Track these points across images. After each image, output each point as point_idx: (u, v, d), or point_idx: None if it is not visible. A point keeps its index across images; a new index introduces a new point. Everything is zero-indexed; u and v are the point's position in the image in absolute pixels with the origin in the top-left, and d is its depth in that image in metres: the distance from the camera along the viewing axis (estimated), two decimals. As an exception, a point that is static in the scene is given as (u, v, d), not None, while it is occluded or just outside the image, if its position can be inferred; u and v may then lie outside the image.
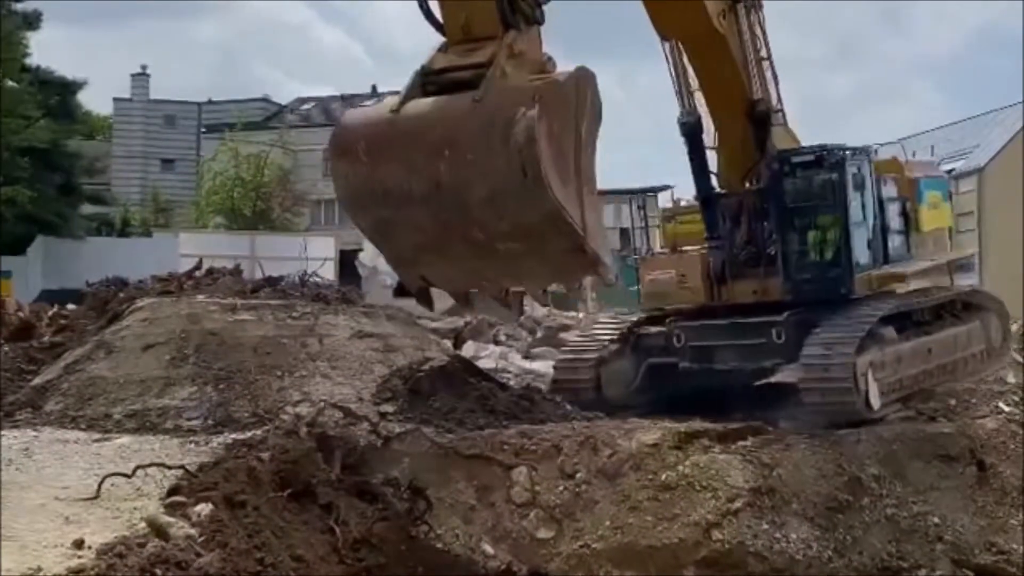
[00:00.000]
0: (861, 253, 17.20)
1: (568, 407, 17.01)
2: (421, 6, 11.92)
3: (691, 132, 17.80)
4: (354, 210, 11.97)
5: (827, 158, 17.18)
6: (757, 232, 17.77)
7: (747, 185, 17.91)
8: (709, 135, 17.99)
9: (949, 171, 25.20)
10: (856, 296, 17.17)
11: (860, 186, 17.24)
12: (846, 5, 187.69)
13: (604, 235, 11.61)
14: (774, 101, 17.96)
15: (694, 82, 17.79)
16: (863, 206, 17.33)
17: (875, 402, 15.59)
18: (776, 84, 18.09)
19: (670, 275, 18.14)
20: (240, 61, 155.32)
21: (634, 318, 18.87)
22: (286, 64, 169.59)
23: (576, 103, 11.00)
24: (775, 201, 17.41)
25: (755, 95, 17.37)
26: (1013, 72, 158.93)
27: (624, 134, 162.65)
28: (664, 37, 17.39)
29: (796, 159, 17.43)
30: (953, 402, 16.01)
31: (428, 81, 11.39)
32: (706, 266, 17.83)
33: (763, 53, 17.82)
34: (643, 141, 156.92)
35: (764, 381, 16.20)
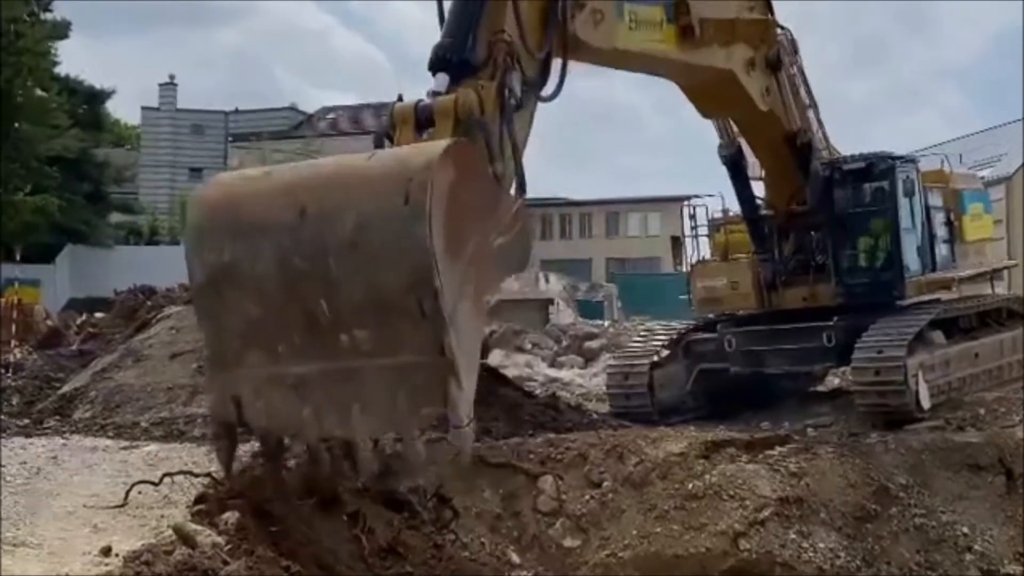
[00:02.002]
0: (911, 259, 17.61)
1: (595, 415, 17.17)
2: (376, 143, 11.04)
3: (733, 163, 18.11)
4: (199, 248, 9.56)
5: (877, 165, 17.40)
6: (805, 244, 18.04)
7: (793, 206, 18.11)
8: (751, 163, 18.23)
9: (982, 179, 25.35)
10: (906, 301, 17.42)
11: (909, 193, 17.55)
12: (866, 7, 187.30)
13: (475, 356, 9.45)
14: (814, 127, 18.10)
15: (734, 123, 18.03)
16: (912, 213, 17.67)
17: (925, 403, 15.86)
18: (818, 114, 18.21)
19: (722, 282, 18.42)
20: (261, 68, 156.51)
21: (682, 326, 19.23)
22: (307, 71, 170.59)
23: (500, 215, 9.85)
24: (825, 209, 17.59)
25: (794, 127, 17.49)
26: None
27: (645, 140, 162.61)
28: (706, 118, 17.56)
29: (847, 167, 17.67)
30: (982, 411, 15.95)
31: None
32: (756, 273, 18.11)
33: (803, 95, 17.93)
34: (665, 147, 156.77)
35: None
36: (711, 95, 16.63)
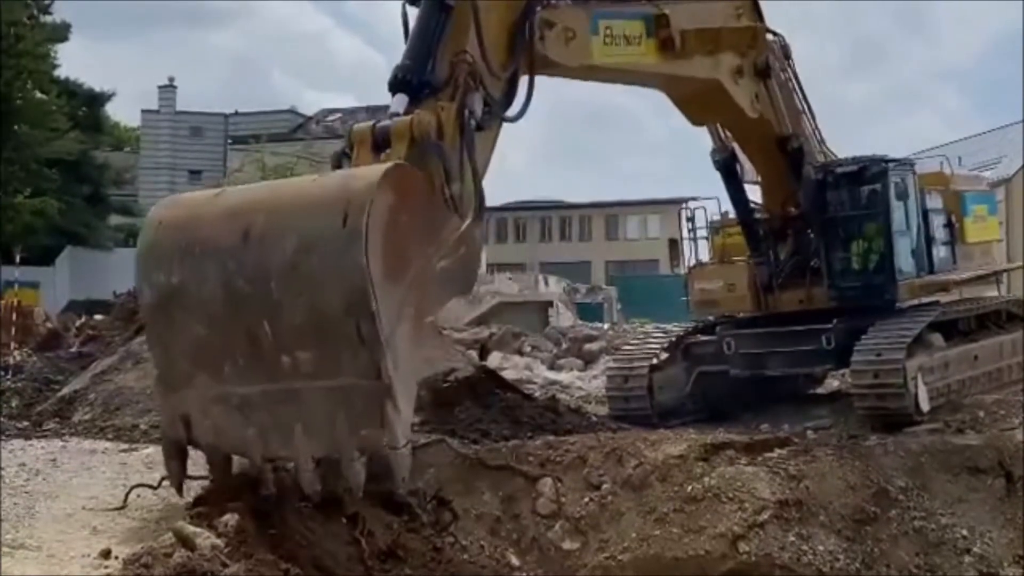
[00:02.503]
0: (904, 261, 17.57)
1: (594, 418, 17.19)
2: (334, 168, 11.00)
3: (726, 167, 18.11)
4: (149, 270, 9.73)
5: (869, 168, 17.41)
6: (800, 247, 18.03)
7: (787, 210, 18.12)
8: (745, 167, 18.26)
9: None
10: (900, 303, 17.47)
11: (902, 196, 17.51)
12: (865, 8, 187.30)
13: (412, 381, 9.58)
14: (808, 131, 18.12)
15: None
16: (906, 216, 17.63)
17: (924, 405, 15.88)
18: (812, 119, 18.23)
19: (719, 284, 18.45)
20: (258, 70, 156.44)
21: (682, 329, 19.26)
22: (305, 73, 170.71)
23: (444, 237, 9.89)
24: (818, 212, 17.63)
25: (786, 131, 17.50)
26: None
27: (644, 143, 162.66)
28: (696, 125, 17.58)
29: (840, 170, 17.68)
30: (981, 413, 15.94)
31: None
32: (753, 276, 18.12)
33: (796, 101, 17.95)
34: (664, 150, 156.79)
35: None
36: (698, 104, 16.66)
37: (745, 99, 16.69)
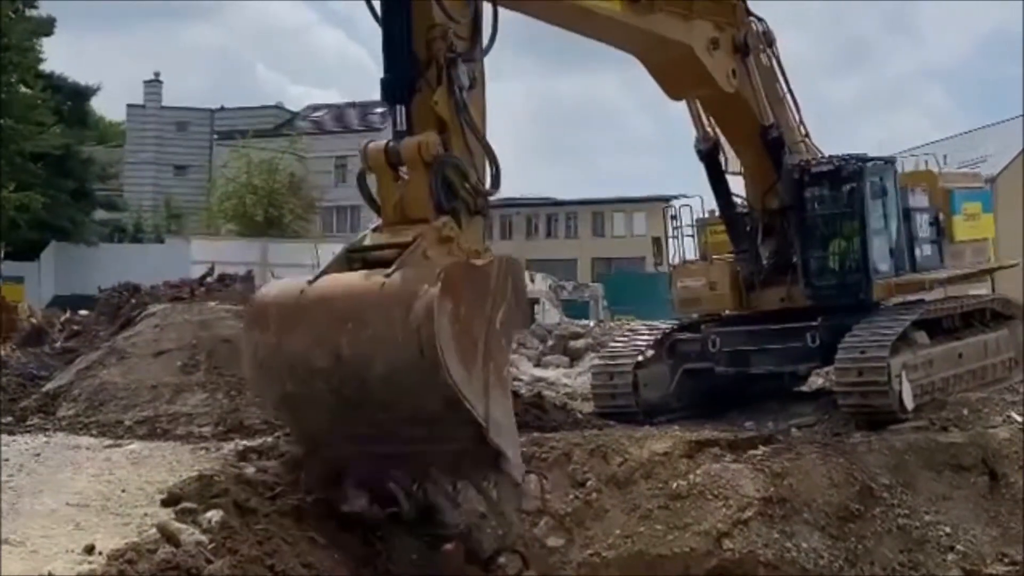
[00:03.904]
0: (881, 260, 17.53)
1: (580, 415, 17.19)
2: (360, 187, 12.08)
3: (709, 157, 18.09)
4: (261, 383, 11.43)
5: (846, 167, 17.38)
6: (781, 244, 18.01)
7: (768, 203, 18.11)
8: (728, 157, 18.22)
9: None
10: (876, 302, 17.49)
11: (879, 195, 17.49)
12: (851, 8, 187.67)
13: (512, 431, 11.01)
14: (795, 123, 18.11)
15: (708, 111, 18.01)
16: (884, 215, 17.59)
17: (909, 403, 15.90)
18: (797, 109, 18.23)
19: (701, 282, 18.43)
20: (243, 65, 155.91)
21: (667, 326, 19.23)
22: (288, 67, 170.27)
23: (494, 289, 10.62)
24: (796, 210, 17.65)
25: (767, 121, 17.49)
26: (1021, 79, 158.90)
27: (630, 141, 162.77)
28: (673, 99, 17.53)
29: (816, 169, 17.65)
30: (965, 411, 15.98)
31: (353, 258, 11.21)
32: (734, 274, 18.10)
33: (778, 88, 17.94)
34: (650, 148, 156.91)
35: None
36: (672, 73, 16.52)
37: (720, 72, 16.61)
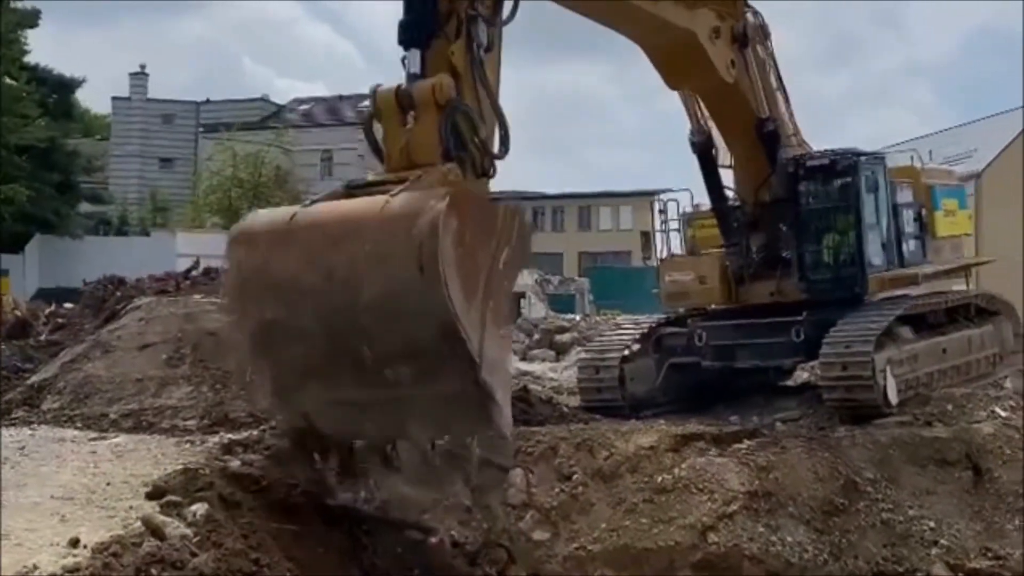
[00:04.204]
0: (875, 255, 17.68)
1: (566, 409, 17.20)
2: (366, 132, 11.63)
3: (702, 150, 18.10)
4: (240, 307, 10.75)
5: (841, 162, 17.46)
6: (772, 238, 18.06)
7: (761, 197, 18.14)
8: (721, 150, 18.22)
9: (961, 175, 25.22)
10: (869, 296, 17.72)
11: (873, 190, 17.60)
12: (840, 5, 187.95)
13: (506, 377, 10.55)
14: (786, 119, 18.15)
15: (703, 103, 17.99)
16: (876, 209, 17.70)
17: (893, 398, 15.98)
18: (788, 104, 18.26)
19: (690, 276, 18.46)
20: (229, 57, 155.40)
21: (653, 320, 19.24)
22: (275, 61, 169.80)
23: (500, 228, 10.18)
24: (790, 204, 17.70)
25: (763, 114, 17.51)
26: (1008, 75, 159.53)
27: (617, 134, 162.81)
28: (672, 88, 17.51)
29: (811, 164, 17.73)
30: (950, 406, 16.03)
31: (352, 191, 10.79)
32: (724, 268, 18.15)
33: (772, 80, 17.97)
34: (637, 141, 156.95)
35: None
36: (675, 60, 16.48)
37: (721, 61, 16.61)
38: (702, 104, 17.96)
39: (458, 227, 9.46)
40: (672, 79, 17.04)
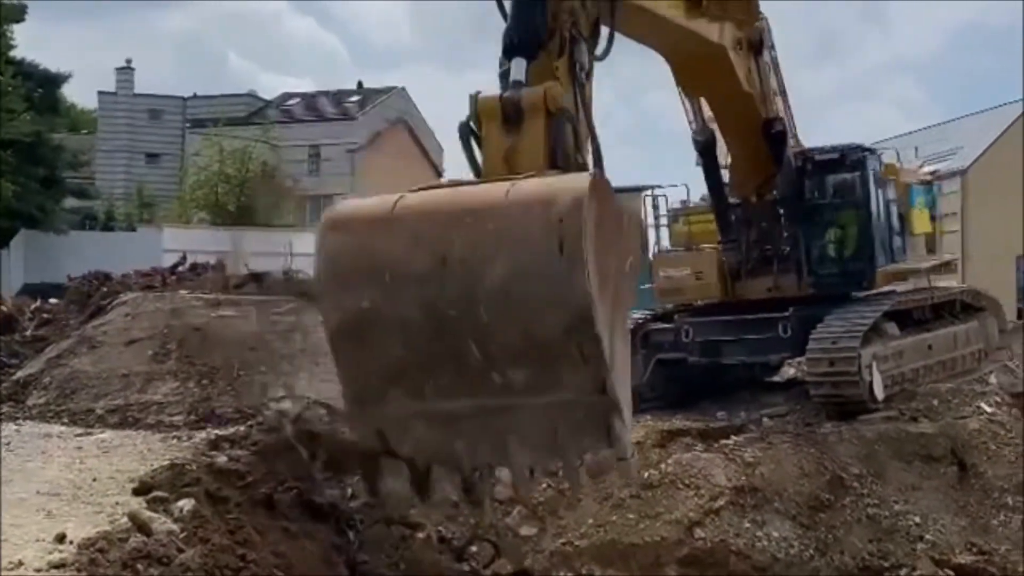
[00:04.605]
0: (880, 249, 17.79)
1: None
2: (462, 138, 10.43)
3: (706, 149, 18.13)
4: (331, 294, 9.32)
5: (849, 155, 17.60)
6: (771, 234, 18.13)
7: (762, 194, 18.20)
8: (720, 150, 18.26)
9: (932, 172, 25.40)
10: (876, 289, 17.96)
11: (879, 184, 17.85)
12: (826, 3, 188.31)
13: (627, 392, 9.08)
14: (788, 116, 18.23)
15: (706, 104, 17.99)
16: (879, 204, 17.85)
17: (879, 393, 16.07)
18: (788, 105, 18.32)
19: (686, 271, 18.48)
20: (214, 52, 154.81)
21: (640, 316, 19.22)
22: (260, 55, 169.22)
23: (626, 232, 9.33)
24: (796, 199, 17.83)
25: (771, 114, 17.55)
26: (994, 71, 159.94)
27: (604, 131, 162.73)
28: (689, 95, 17.51)
29: (819, 157, 17.82)
30: (935, 402, 16.09)
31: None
32: (721, 263, 18.18)
33: (775, 82, 18.00)
34: (623, 138, 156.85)
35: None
36: (700, 71, 16.46)
37: (742, 71, 16.67)
38: (705, 104, 17.96)
39: (597, 215, 8.49)
40: (692, 88, 17.14)
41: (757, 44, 17.03)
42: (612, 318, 8.68)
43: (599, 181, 8.80)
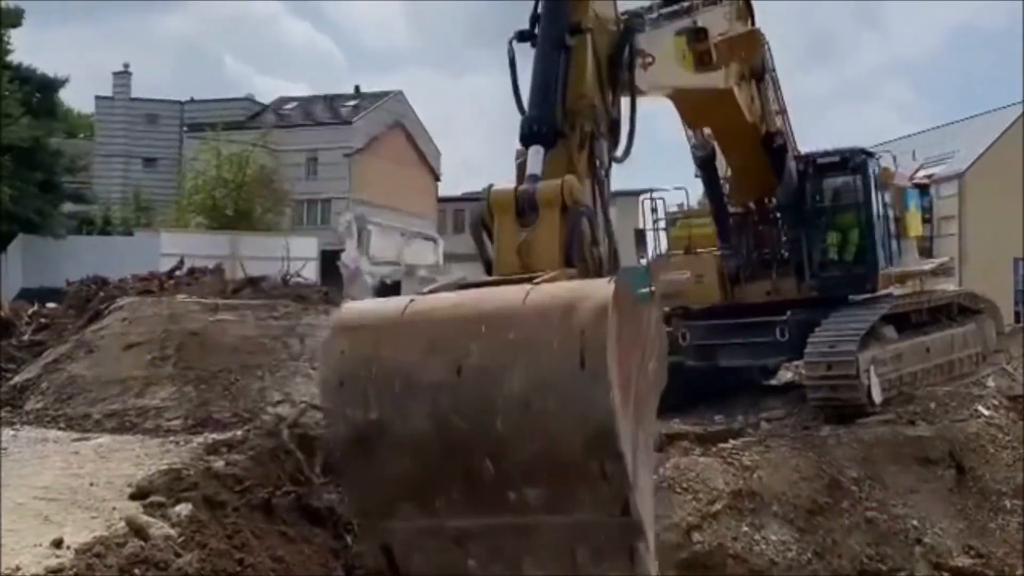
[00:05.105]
0: (882, 251, 17.89)
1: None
2: (475, 233, 10.08)
3: (705, 163, 18.17)
4: (339, 404, 8.68)
5: (851, 159, 17.67)
6: (771, 239, 18.16)
7: (762, 203, 18.24)
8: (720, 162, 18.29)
9: (929, 175, 25.47)
10: (878, 292, 17.99)
11: (880, 187, 17.98)
12: (820, 4, 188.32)
13: (651, 512, 8.57)
14: (788, 127, 18.25)
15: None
16: (879, 207, 17.91)
17: (877, 397, 16.09)
18: (787, 124, 18.33)
19: (686, 275, 18.49)
20: (211, 55, 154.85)
21: None
22: (257, 59, 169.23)
23: (646, 333, 8.73)
24: (799, 204, 17.99)
25: (772, 129, 17.55)
26: (989, 73, 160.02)
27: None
28: (692, 128, 17.50)
29: (821, 161, 17.86)
30: (933, 405, 16.11)
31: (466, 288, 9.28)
32: (720, 267, 18.20)
33: (777, 97, 18.00)
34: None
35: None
36: (704, 110, 16.49)
37: (745, 104, 16.67)
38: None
39: (618, 324, 7.94)
40: (696, 123, 17.20)
41: (759, 71, 17.02)
42: (635, 433, 8.21)
43: (620, 285, 8.22)
